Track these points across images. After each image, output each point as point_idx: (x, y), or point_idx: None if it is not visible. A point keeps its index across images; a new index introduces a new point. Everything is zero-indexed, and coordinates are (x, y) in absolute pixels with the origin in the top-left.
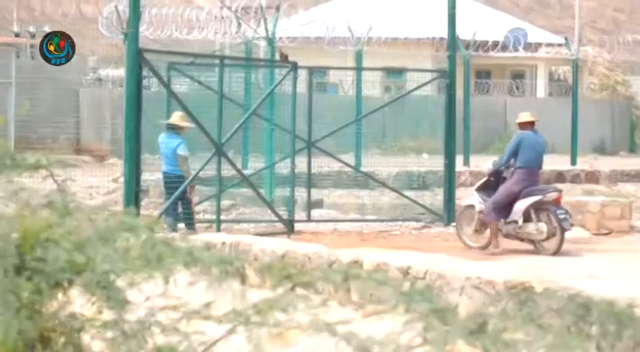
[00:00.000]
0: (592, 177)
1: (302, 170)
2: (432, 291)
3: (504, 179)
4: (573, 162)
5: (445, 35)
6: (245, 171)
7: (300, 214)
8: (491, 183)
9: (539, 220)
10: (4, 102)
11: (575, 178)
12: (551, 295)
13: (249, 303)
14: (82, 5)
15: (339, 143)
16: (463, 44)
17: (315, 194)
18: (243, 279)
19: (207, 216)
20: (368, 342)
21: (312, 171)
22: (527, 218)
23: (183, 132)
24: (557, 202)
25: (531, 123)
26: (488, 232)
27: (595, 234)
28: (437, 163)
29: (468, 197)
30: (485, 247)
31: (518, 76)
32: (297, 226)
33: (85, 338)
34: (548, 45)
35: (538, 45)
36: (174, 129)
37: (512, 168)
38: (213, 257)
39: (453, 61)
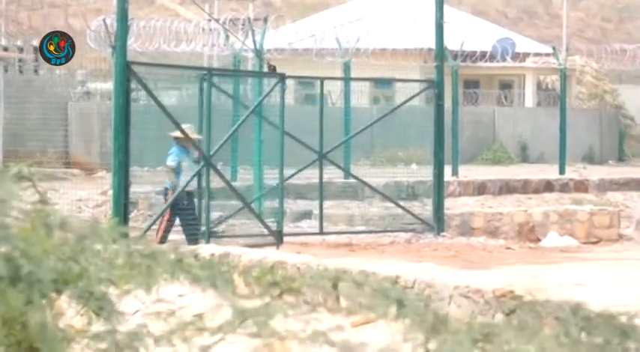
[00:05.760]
0: (581, 186)
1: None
2: (422, 300)
3: None
4: (562, 171)
5: (433, 46)
6: (235, 183)
7: (289, 225)
8: None
9: None
10: None
11: (564, 187)
12: (552, 307)
13: (237, 312)
14: (70, 19)
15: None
16: (451, 54)
17: (304, 205)
18: (232, 289)
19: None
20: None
21: (300, 183)
22: None
23: (188, 144)
24: None
25: None
26: None
27: (584, 243)
28: (426, 173)
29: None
30: None
31: (506, 85)
32: (286, 238)
33: (76, 349)
34: (536, 54)
35: (526, 55)
36: (178, 142)
37: None
38: (199, 264)
39: (441, 72)
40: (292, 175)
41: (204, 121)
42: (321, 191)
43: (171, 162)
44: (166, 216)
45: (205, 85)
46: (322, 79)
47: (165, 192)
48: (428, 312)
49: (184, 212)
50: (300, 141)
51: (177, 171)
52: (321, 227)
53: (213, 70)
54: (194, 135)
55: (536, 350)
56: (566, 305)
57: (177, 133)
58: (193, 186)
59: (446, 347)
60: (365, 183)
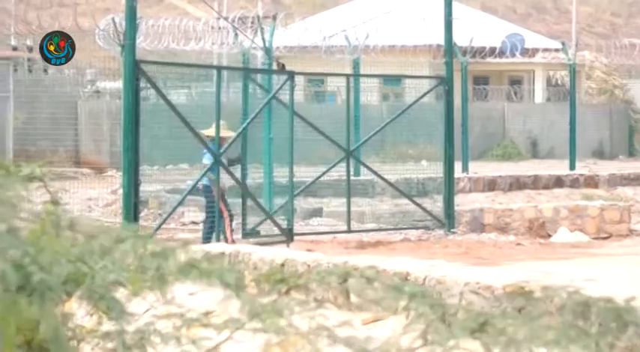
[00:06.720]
0: (591, 182)
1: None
2: (431, 293)
3: None
4: (572, 166)
5: (442, 42)
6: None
7: (299, 223)
8: None
9: None
10: (3, 115)
11: (574, 183)
12: (551, 294)
13: (245, 310)
14: (79, 18)
15: (337, 151)
16: (460, 51)
17: (315, 202)
18: (242, 290)
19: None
20: (369, 346)
21: (310, 180)
22: None
23: (222, 142)
24: None
25: None
26: None
27: (594, 238)
28: (436, 170)
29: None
30: None
31: (515, 81)
32: (297, 236)
33: (86, 349)
34: (546, 50)
35: (535, 50)
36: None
37: None
38: (211, 268)
39: (451, 68)
40: (323, 174)
41: (215, 119)
42: (349, 189)
43: (206, 160)
44: (225, 214)
45: (216, 80)
46: (348, 76)
47: (205, 191)
48: (434, 305)
49: (212, 209)
50: (329, 139)
51: (212, 169)
52: (349, 225)
53: (222, 68)
54: (227, 133)
55: (530, 336)
56: (564, 290)
57: (208, 132)
58: (222, 183)
59: (442, 336)
60: (385, 180)
